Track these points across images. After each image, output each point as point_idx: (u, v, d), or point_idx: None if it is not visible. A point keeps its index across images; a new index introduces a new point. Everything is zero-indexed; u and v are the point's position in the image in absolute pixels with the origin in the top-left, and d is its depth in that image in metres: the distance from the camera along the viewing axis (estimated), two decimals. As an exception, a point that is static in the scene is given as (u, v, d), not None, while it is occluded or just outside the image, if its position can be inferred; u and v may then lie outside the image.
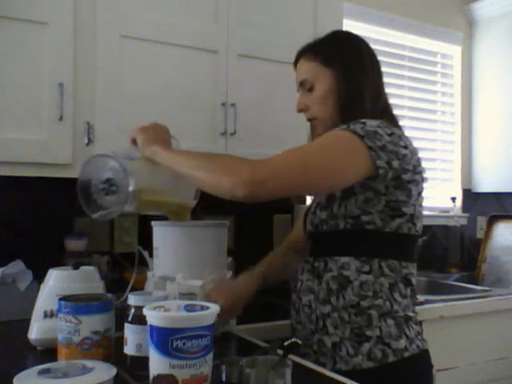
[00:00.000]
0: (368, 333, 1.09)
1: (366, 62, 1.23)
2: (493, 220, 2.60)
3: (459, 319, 1.85)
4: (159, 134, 1.15)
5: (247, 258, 1.38)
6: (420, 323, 1.19)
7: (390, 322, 1.10)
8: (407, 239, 1.14)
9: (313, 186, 1.08)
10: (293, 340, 0.87)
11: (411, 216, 1.12)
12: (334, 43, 1.25)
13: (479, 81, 2.79)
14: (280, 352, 0.85)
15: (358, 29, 2.45)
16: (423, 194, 1.18)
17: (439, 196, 2.76)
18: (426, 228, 2.61)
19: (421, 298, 1.84)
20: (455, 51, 2.81)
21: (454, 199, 2.68)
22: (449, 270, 2.58)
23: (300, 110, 1.26)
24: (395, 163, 1.07)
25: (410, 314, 1.13)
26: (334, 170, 1.05)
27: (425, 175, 1.18)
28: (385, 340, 1.09)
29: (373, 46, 2.17)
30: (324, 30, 1.31)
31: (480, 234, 2.74)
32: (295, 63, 1.28)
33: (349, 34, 1.29)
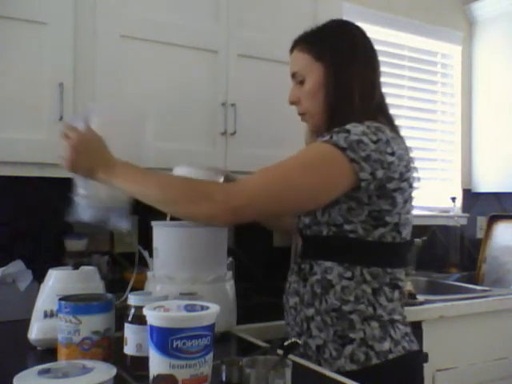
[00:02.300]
0: (351, 335, 1.08)
1: (360, 58, 1.18)
2: (493, 220, 2.60)
3: (459, 319, 1.85)
4: (93, 151, 1.07)
5: (247, 258, 1.38)
6: (421, 324, 1.18)
7: (375, 324, 1.09)
8: (391, 248, 1.11)
9: (293, 208, 1.07)
10: (293, 340, 0.87)
11: (395, 225, 1.10)
12: (329, 35, 1.20)
13: (479, 81, 2.79)
14: (280, 352, 0.85)
15: (358, 29, 2.45)
16: (414, 197, 1.15)
17: (439, 196, 2.76)
18: (426, 228, 2.62)
19: (421, 297, 1.84)
20: (455, 51, 2.81)
21: (454, 199, 2.68)
22: (449, 269, 2.58)
23: (292, 103, 1.23)
24: (379, 173, 1.04)
25: (397, 317, 1.12)
26: (314, 191, 1.03)
27: (416, 176, 1.15)
28: (368, 342, 1.07)
29: (373, 46, 2.14)
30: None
31: (480, 234, 2.74)
32: (291, 51, 1.24)
33: (347, 26, 1.24)
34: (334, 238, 1.10)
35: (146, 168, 1.08)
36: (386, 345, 1.08)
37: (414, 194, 1.16)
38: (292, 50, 1.23)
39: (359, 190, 1.04)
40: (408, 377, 1.13)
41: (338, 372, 1.04)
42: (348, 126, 1.06)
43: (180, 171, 1.26)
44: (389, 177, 1.05)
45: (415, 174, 1.15)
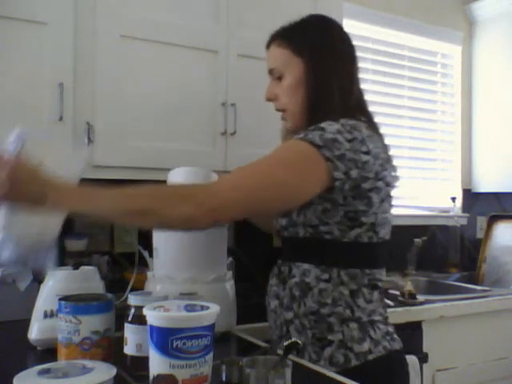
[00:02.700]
0: (330, 337, 1.07)
1: (339, 53, 1.16)
2: (493, 220, 2.60)
3: (459, 319, 1.85)
4: (36, 178, 0.91)
5: (247, 258, 1.38)
6: (421, 324, 1.16)
7: (353, 325, 1.07)
8: (368, 248, 1.09)
9: (272, 206, 1.03)
10: (293, 340, 0.87)
11: (372, 225, 1.08)
12: (308, 30, 1.18)
13: (479, 81, 2.79)
14: (280, 352, 0.85)
15: (358, 29, 2.45)
16: (393, 196, 1.14)
17: (439, 196, 2.76)
18: (426, 228, 2.62)
19: (421, 297, 1.84)
20: (455, 51, 2.81)
21: (454, 199, 2.68)
22: (449, 269, 2.58)
23: (268, 99, 1.21)
24: (354, 172, 1.02)
25: (377, 317, 1.10)
26: (292, 188, 1.01)
27: (394, 174, 1.13)
28: (347, 344, 1.06)
29: (373, 46, 2.16)
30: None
31: (480, 234, 2.74)
32: (267, 47, 1.21)
33: (326, 21, 1.22)
34: (311, 240, 1.09)
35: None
36: (366, 345, 1.06)
37: (393, 192, 1.13)
38: (269, 45, 1.21)
39: (333, 190, 1.02)
40: (390, 376, 1.11)
41: None
42: (323, 125, 1.05)
43: (176, 173, 1.26)
44: (363, 176, 1.04)
45: (393, 173, 1.13)
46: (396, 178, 1.15)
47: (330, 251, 1.08)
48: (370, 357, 1.06)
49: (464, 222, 2.73)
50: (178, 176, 1.26)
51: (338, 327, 1.07)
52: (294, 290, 1.11)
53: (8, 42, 1.37)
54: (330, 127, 1.04)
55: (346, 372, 1.02)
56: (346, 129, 1.05)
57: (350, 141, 1.03)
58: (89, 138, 1.46)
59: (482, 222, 2.76)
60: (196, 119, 1.64)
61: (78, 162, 1.07)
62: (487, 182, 2.74)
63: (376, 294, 1.12)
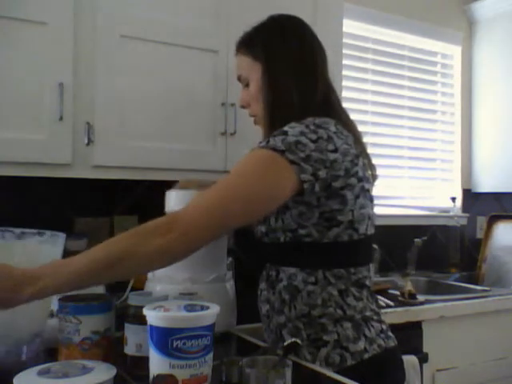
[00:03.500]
0: (325, 338, 1.06)
1: (295, 51, 1.15)
2: (493, 220, 2.60)
3: (459, 319, 1.85)
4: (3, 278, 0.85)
5: (247, 258, 1.38)
6: (421, 324, 1.16)
7: (347, 324, 1.07)
8: (350, 246, 1.09)
9: (245, 218, 1.01)
10: (293, 340, 0.87)
11: (350, 222, 1.07)
12: (262, 33, 1.18)
13: (479, 81, 2.79)
14: (280, 352, 0.85)
15: (358, 29, 2.46)
16: (370, 190, 1.12)
17: (439, 196, 2.76)
18: (426, 228, 2.62)
19: (421, 298, 1.84)
20: (455, 51, 2.81)
21: (454, 199, 2.68)
22: (449, 269, 2.58)
23: (242, 107, 1.23)
24: (322, 173, 1.01)
25: (368, 313, 1.10)
26: (261, 198, 1.00)
27: (369, 173, 1.12)
28: (342, 344, 1.05)
29: (373, 46, 2.16)
30: (324, 29, 1.30)
31: (480, 234, 2.74)
32: (235, 54, 1.23)
33: (280, 20, 1.21)
34: (291, 244, 1.09)
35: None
36: (361, 344, 1.06)
37: (369, 186, 1.12)
38: (236, 52, 1.23)
39: (304, 192, 1.01)
40: (386, 374, 1.10)
41: None
42: (286, 128, 1.04)
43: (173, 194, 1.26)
44: (333, 175, 1.03)
45: (368, 169, 1.12)
46: (375, 176, 1.14)
47: (312, 254, 1.08)
48: (366, 355, 1.06)
49: (464, 222, 2.73)
50: (174, 198, 1.26)
51: (331, 327, 1.07)
52: (283, 294, 1.11)
53: (8, 41, 1.37)
54: (293, 130, 1.03)
55: (342, 372, 1.02)
56: (311, 129, 1.04)
57: (314, 141, 1.02)
58: (89, 138, 1.46)
59: (481, 221, 2.76)
60: (196, 119, 1.64)
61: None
62: (487, 182, 2.74)
63: (365, 292, 1.11)
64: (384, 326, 1.13)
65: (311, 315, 1.07)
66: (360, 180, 1.08)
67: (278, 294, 1.11)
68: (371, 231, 1.13)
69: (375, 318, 1.11)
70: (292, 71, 1.14)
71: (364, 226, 1.10)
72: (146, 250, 0.89)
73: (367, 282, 1.12)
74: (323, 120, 1.07)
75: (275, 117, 1.13)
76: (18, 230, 0.95)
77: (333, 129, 1.06)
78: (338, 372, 1.02)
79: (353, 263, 1.09)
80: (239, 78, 1.22)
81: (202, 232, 0.95)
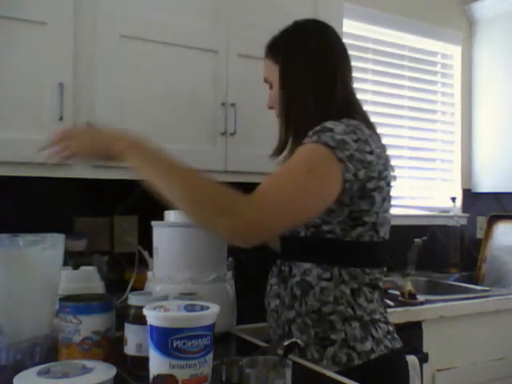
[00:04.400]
0: (332, 336, 1.07)
1: (311, 53, 1.16)
2: (493, 220, 2.60)
3: (459, 319, 1.85)
4: (103, 130, 1.05)
5: (247, 258, 1.38)
6: (421, 324, 1.16)
7: (355, 324, 1.07)
8: (369, 247, 1.10)
9: (304, 216, 1.01)
10: (293, 340, 0.87)
11: (373, 224, 1.08)
12: (284, 38, 1.21)
13: (479, 81, 2.79)
14: (280, 352, 0.85)
15: (358, 29, 2.46)
16: (392, 195, 1.14)
17: (439, 196, 2.76)
18: (426, 228, 2.62)
19: (421, 298, 1.84)
20: (455, 51, 2.81)
21: (454, 199, 2.68)
22: (449, 269, 2.58)
23: (269, 108, 1.26)
24: (361, 173, 1.02)
25: (377, 316, 1.11)
26: (320, 194, 1.00)
27: (393, 174, 1.13)
28: (350, 343, 1.06)
29: (373, 46, 2.16)
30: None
31: (480, 234, 2.74)
32: (264, 57, 1.26)
33: (304, 26, 1.22)
34: (312, 239, 1.09)
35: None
36: (368, 345, 1.06)
37: (391, 192, 1.14)
38: (264, 55, 1.26)
39: (343, 191, 1.02)
40: (392, 375, 1.11)
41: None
42: (328, 125, 1.04)
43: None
44: (369, 176, 1.04)
45: (392, 173, 1.14)
46: (394, 177, 1.15)
47: (332, 250, 1.08)
48: (373, 356, 1.06)
49: (464, 222, 2.73)
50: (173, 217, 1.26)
51: (340, 326, 1.07)
52: (294, 289, 1.11)
53: (8, 41, 1.37)
54: (337, 127, 1.04)
55: (349, 371, 1.03)
56: (350, 129, 1.05)
57: (356, 141, 1.03)
58: (89, 138, 1.46)
59: (481, 222, 2.76)
60: (196, 119, 1.64)
61: None
62: (487, 182, 2.74)
63: (376, 294, 1.12)
64: (391, 328, 1.13)
65: (321, 311, 1.08)
66: (388, 184, 1.10)
67: (290, 290, 1.12)
68: (387, 236, 1.15)
69: (382, 319, 1.12)
70: (307, 71, 1.15)
71: (384, 229, 1.12)
72: (217, 224, 0.92)
73: (380, 284, 1.13)
74: (356, 123, 1.08)
75: (289, 115, 1.14)
76: (19, 238, 0.94)
77: (367, 131, 1.08)
78: (344, 371, 1.02)
79: (369, 264, 1.10)
80: (265, 80, 1.25)
81: (272, 225, 0.96)
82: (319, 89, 1.14)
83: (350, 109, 1.15)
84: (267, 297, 1.20)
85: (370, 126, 1.14)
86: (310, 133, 1.05)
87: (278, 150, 1.22)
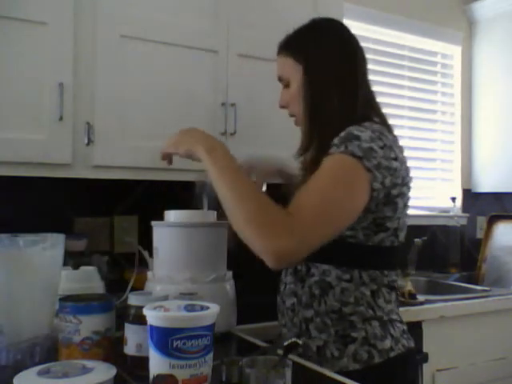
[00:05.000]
0: (353, 334, 1.08)
1: (338, 55, 1.15)
2: (493, 220, 2.60)
3: (459, 319, 1.85)
4: (197, 131, 1.11)
5: (247, 258, 1.38)
6: (421, 324, 1.18)
7: (375, 323, 1.09)
8: (389, 251, 1.11)
9: (338, 229, 1.01)
10: (293, 340, 0.87)
11: (395, 230, 1.09)
12: (306, 36, 1.19)
13: (479, 81, 2.79)
14: (280, 352, 0.85)
15: (358, 29, 2.45)
16: (409, 199, 1.15)
17: (439, 196, 2.76)
18: (426, 228, 2.62)
19: (421, 298, 1.84)
20: (455, 51, 2.81)
21: (454, 199, 2.68)
22: (449, 269, 2.58)
23: (281, 106, 1.23)
24: (387, 180, 1.03)
25: (394, 317, 1.12)
26: (351, 207, 1.00)
27: (411, 180, 1.14)
28: (370, 341, 1.07)
29: (373, 46, 2.16)
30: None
31: (480, 234, 2.74)
32: (277, 55, 1.24)
33: (325, 23, 1.22)
34: (333, 242, 1.07)
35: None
36: (387, 343, 1.08)
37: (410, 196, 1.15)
38: (277, 53, 1.24)
39: (370, 199, 1.02)
40: (408, 374, 1.14)
41: (341, 372, 1.04)
42: (355, 132, 1.03)
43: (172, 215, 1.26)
44: (394, 183, 1.04)
45: (411, 182, 1.14)
46: (411, 179, 1.15)
47: (353, 254, 1.08)
48: (392, 354, 1.08)
49: (464, 222, 2.73)
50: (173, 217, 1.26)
51: (360, 325, 1.08)
52: (313, 289, 1.11)
53: (8, 42, 1.37)
54: (364, 134, 1.03)
55: (369, 369, 1.05)
56: (376, 135, 1.04)
57: (382, 148, 1.03)
58: (89, 138, 1.46)
59: (481, 222, 2.76)
60: (196, 119, 1.63)
61: None
62: (487, 182, 2.74)
63: (394, 295, 1.14)
64: (405, 327, 1.15)
65: (342, 312, 1.09)
66: (409, 190, 1.11)
67: (308, 288, 1.12)
68: (404, 239, 1.15)
69: (398, 319, 1.14)
70: (332, 72, 1.14)
71: (403, 233, 1.13)
72: (255, 242, 0.95)
73: (396, 285, 1.14)
74: (379, 128, 1.08)
75: (315, 116, 1.13)
76: (19, 238, 0.95)
77: (390, 137, 1.08)
78: (364, 369, 1.05)
79: (388, 267, 1.11)
80: (280, 79, 1.22)
81: (317, 240, 0.97)
82: (344, 89, 1.13)
83: (371, 111, 1.15)
84: (281, 295, 1.20)
85: (390, 129, 1.14)
86: (337, 141, 1.04)
87: (303, 151, 1.19)
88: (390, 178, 1.03)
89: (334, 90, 1.12)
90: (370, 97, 1.18)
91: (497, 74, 2.69)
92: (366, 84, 1.17)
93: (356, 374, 1.03)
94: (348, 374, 1.00)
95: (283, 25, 1.75)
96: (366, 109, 1.14)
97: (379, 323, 1.09)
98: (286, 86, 1.21)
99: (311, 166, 1.09)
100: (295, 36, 1.21)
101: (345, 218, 1.00)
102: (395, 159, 1.05)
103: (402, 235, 1.13)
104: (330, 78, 1.13)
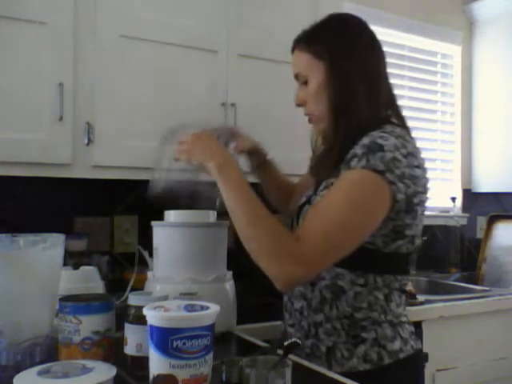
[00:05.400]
0: (363, 335, 1.07)
1: (361, 52, 1.12)
2: (493, 220, 2.60)
3: (459, 319, 1.85)
4: (210, 143, 1.11)
5: (247, 258, 1.38)
6: (421, 324, 1.18)
7: (385, 325, 1.08)
8: (404, 258, 1.10)
9: (352, 247, 1.00)
10: (293, 340, 0.87)
11: (412, 237, 1.07)
12: (327, 32, 1.15)
13: (479, 81, 2.79)
14: (280, 352, 0.85)
15: (358, 29, 2.45)
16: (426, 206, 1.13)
17: (439, 196, 2.76)
18: (426, 228, 2.60)
19: (421, 298, 1.84)
20: (455, 51, 2.81)
21: (454, 199, 2.68)
22: (449, 270, 2.58)
23: (298, 105, 1.18)
24: (410, 190, 1.01)
25: (403, 319, 1.12)
26: (366, 228, 1.00)
27: (428, 181, 1.11)
28: (380, 342, 1.07)
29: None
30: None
31: (480, 234, 2.74)
32: (292, 51, 1.19)
33: (345, 19, 1.19)
34: None
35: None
36: (397, 344, 1.08)
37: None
38: (293, 50, 1.19)
39: (391, 209, 1.01)
40: (417, 375, 1.13)
41: (350, 372, 1.04)
42: (379, 141, 1.01)
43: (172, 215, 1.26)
44: (415, 191, 1.02)
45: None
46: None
47: (369, 260, 1.06)
48: (401, 355, 1.07)
49: (464, 222, 2.73)
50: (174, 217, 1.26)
51: (370, 327, 1.08)
52: (324, 293, 1.09)
53: (8, 41, 1.37)
54: (387, 143, 1.00)
55: (379, 370, 1.05)
56: (401, 142, 1.02)
57: (406, 156, 1.01)
58: (89, 138, 1.46)
59: (481, 222, 2.76)
60: (196, 119, 1.63)
61: None
62: (487, 182, 2.74)
63: (404, 298, 1.13)
64: (412, 329, 1.15)
65: (354, 317, 1.07)
66: (427, 197, 1.09)
67: (318, 292, 1.10)
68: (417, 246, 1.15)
69: (407, 321, 1.14)
70: (358, 72, 1.10)
71: (418, 240, 1.12)
72: (268, 265, 0.99)
73: (406, 288, 1.14)
74: (401, 132, 1.06)
75: (341, 116, 1.10)
76: (19, 238, 0.95)
77: (413, 142, 1.06)
78: (375, 370, 1.04)
79: (402, 272, 1.11)
80: (296, 76, 1.17)
81: (327, 262, 1.00)
82: (367, 88, 1.10)
83: (393, 111, 1.14)
84: (289, 296, 1.18)
85: (409, 132, 1.12)
86: (359, 151, 1.01)
87: (327, 151, 1.15)
88: (413, 187, 1.01)
89: (359, 86, 1.09)
90: (391, 97, 1.16)
91: (497, 73, 2.69)
92: (387, 83, 1.15)
93: (366, 374, 1.04)
94: (357, 375, 1.00)
95: (283, 25, 1.77)
96: (387, 110, 1.12)
97: (389, 325, 1.09)
98: (305, 83, 1.15)
99: (325, 162, 1.11)
100: (314, 31, 1.16)
101: (359, 240, 1.00)
102: (418, 167, 1.03)
103: (417, 242, 1.11)
104: (355, 74, 1.10)
